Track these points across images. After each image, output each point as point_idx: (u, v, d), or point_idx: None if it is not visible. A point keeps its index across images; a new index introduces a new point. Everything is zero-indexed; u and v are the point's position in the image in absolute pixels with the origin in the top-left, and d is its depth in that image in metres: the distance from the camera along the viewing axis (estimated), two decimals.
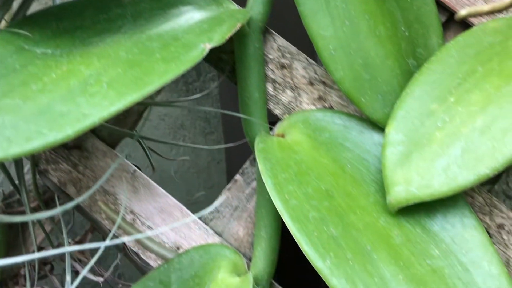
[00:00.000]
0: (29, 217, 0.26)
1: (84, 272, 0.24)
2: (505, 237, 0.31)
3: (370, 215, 0.27)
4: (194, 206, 0.56)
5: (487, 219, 0.31)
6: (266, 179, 0.28)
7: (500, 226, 0.31)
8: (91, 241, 0.41)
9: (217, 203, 0.34)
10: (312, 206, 0.27)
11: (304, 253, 0.26)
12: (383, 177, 0.27)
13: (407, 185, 0.26)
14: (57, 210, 0.25)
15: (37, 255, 0.19)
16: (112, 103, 0.23)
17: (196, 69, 0.75)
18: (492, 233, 0.31)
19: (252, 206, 0.34)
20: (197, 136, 0.75)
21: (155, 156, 0.44)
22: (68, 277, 0.26)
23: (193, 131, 0.75)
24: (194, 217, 0.34)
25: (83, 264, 0.38)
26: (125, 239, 0.26)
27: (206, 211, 0.25)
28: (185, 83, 0.75)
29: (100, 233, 0.40)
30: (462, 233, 0.27)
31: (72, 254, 0.38)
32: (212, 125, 0.76)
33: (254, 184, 0.34)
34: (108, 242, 0.22)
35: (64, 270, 0.39)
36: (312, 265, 0.25)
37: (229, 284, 0.30)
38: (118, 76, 0.24)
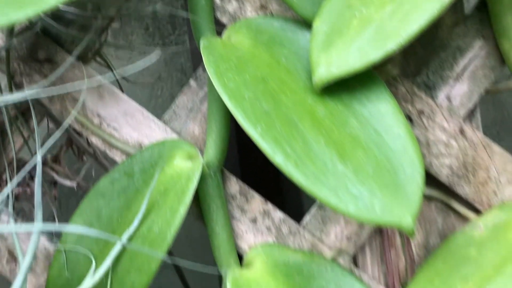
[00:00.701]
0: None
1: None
2: (424, 121, 0.35)
3: (299, 96, 0.32)
4: None
5: (409, 106, 0.35)
6: (209, 68, 0.32)
7: (421, 112, 0.35)
8: (67, 156, 0.45)
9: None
10: (248, 89, 0.31)
11: (240, 125, 0.30)
12: (310, 62, 0.31)
13: (328, 66, 0.31)
14: (26, 94, 0.29)
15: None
16: None
17: (171, 24, 0.79)
18: (413, 119, 0.35)
19: (206, 107, 0.38)
20: (174, 87, 0.79)
21: None
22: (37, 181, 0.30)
23: (170, 82, 0.79)
24: (154, 119, 0.38)
25: (60, 174, 0.42)
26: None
27: None
28: (161, 36, 0.79)
29: (73, 148, 0.44)
30: (378, 107, 0.31)
31: (49, 165, 0.42)
32: (188, 76, 0.79)
33: (206, 88, 0.38)
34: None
35: (44, 180, 0.43)
36: (246, 133, 0.30)
37: (182, 167, 0.35)
38: None
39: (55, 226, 0.27)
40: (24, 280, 0.32)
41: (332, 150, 0.29)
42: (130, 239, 0.34)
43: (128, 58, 0.79)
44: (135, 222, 0.33)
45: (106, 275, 0.34)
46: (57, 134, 0.31)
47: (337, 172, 0.29)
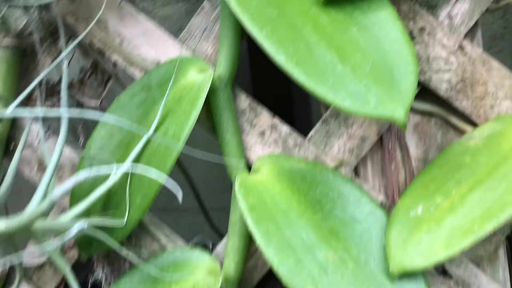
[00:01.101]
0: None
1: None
2: (426, 37, 0.37)
3: (304, 6, 0.34)
4: None
5: (411, 24, 0.37)
6: None
7: (422, 29, 0.37)
8: (92, 81, 0.48)
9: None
10: None
11: (246, 29, 0.32)
12: None
13: None
14: None
15: None
16: None
17: None
18: (415, 35, 0.37)
19: (218, 28, 0.40)
20: None
21: None
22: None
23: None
24: (171, 38, 0.41)
25: (87, 97, 0.46)
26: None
27: None
28: None
29: (98, 73, 0.47)
30: (378, 15, 0.33)
31: (75, 87, 0.45)
32: None
33: (218, 9, 0.40)
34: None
35: (71, 100, 0.47)
36: (251, 35, 0.32)
37: (195, 79, 0.37)
38: None
39: (82, 113, 0.29)
40: (51, 178, 0.36)
41: (333, 53, 0.32)
42: (148, 142, 0.37)
43: (150, 10, 0.82)
44: (154, 123, 0.36)
45: (126, 176, 0.37)
46: (78, 39, 0.34)
47: (336, 71, 0.31)
